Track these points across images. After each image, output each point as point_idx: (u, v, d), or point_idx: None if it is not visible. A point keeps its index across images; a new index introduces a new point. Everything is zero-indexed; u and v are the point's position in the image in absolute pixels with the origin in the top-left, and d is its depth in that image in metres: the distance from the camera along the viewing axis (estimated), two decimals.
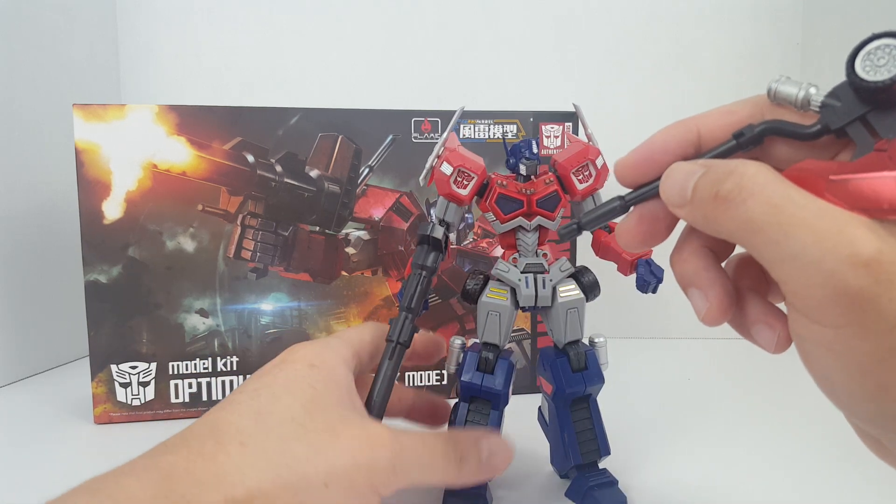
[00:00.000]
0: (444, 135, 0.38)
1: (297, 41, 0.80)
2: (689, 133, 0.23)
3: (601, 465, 0.39)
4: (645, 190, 0.24)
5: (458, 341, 0.39)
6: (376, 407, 0.35)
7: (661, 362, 0.70)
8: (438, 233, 0.37)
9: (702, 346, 0.74)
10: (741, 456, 0.45)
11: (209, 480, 0.26)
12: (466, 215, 0.57)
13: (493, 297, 0.37)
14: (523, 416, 0.40)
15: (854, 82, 0.20)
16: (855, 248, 0.18)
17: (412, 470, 0.30)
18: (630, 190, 0.25)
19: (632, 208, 0.25)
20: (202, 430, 0.28)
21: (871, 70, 0.20)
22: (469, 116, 0.56)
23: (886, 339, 0.18)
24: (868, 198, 0.19)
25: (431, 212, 0.45)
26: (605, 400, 0.40)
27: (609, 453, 0.39)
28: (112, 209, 0.51)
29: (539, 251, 0.38)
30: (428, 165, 0.38)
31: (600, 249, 0.39)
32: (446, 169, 0.37)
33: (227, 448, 0.27)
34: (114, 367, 0.52)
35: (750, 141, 0.22)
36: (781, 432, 0.49)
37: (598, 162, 0.38)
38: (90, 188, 0.51)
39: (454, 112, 0.39)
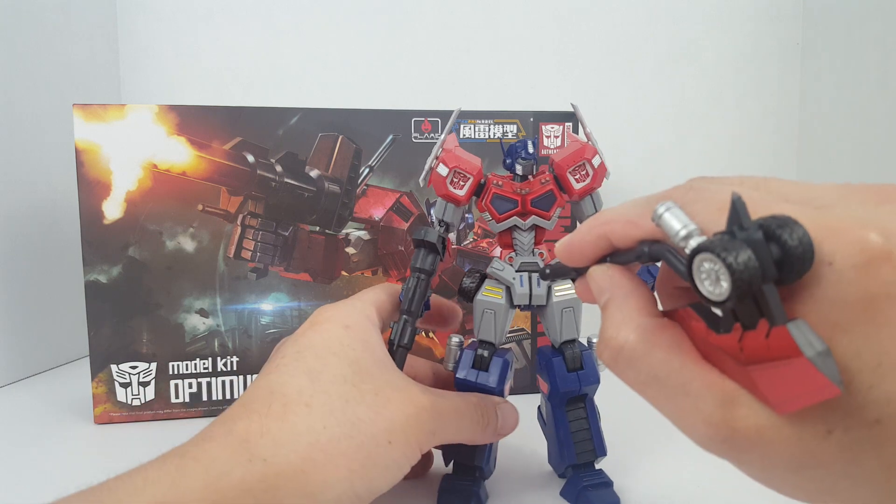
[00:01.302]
0: (443, 136, 0.38)
1: (297, 41, 0.80)
2: (601, 240, 0.24)
3: (597, 466, 0.39)
4: (582, 270, 0.26)
5: (455, 339, 0.40)
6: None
7: None
8: (433, 236, 0.37)
9: None
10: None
11: (285, 440, 0.28)
12: (466, 215, 0.57)
13: (489, 295, 0.38)
14: (522, 415, 0.39)
15: (701, 298, 0.19)
16: (715, 426, 0.19)
17: (447, 432, 0.33)
18: None
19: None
20: (262, 394, 0.30)
21: (711, 283, 0.18)
22: (469, 116, 0.56)
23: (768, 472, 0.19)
24: (745, 381, 0.19)
25: (432, 212, 0.45)
26: (602, 397, 0.40)
27: (605, 454, 0.39)
28: (112, 209, 0.51)
29: (536, 250, 0.38)
30: (427, 166, 0.38)
31: None
32: (442, 170, 0.37)
33: (294, 409, 0.29)
34: (114, 367, 0.52)
35: (647, 259, 0.22)
36: None
37: (595, 161, 0.38)
38: (90, 188, 0.51)
39: (451, 112, 0.40)
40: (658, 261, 0.22)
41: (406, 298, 0.38)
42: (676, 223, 0.20)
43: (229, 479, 0.26)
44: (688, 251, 0.19)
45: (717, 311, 0.19)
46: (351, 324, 0.34)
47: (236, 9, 0.80)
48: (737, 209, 0.18)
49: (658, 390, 0.20)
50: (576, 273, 0.27)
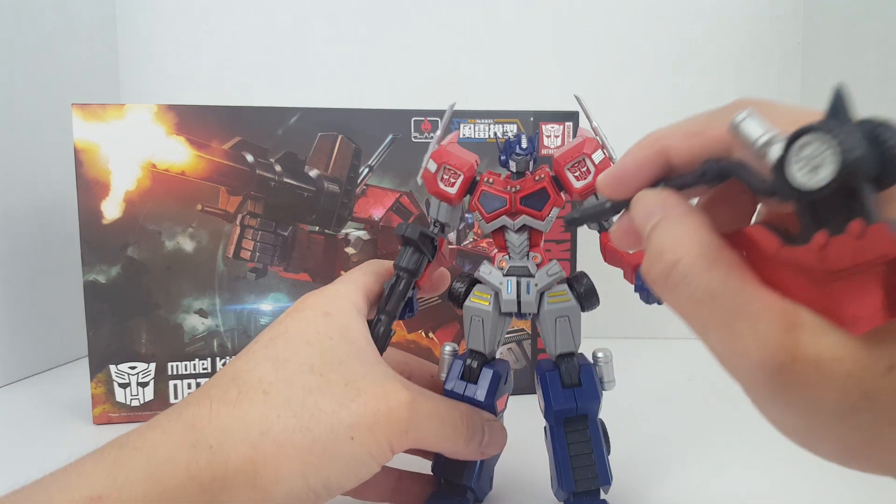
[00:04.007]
0: (438, 132, 0.36)
1: (296, 41, 0.80)
2: (658, 158, 0.22)
3: (603, 496, 0.36)
4: (627, 203, 0.24)
5: (448, 348, 0.37)
6: None
7: (661, 364, 0.70)
8: (413, 233, 0.35)
9: (700, 346, 0.74)
10: (755, 475, 0.43)
11: (234, 427, 0.26)
12: (466, 215, 0.57)
13: (476, 301, 0.35)
14: (524, 423, 0.37)
15: (789, 191, 0.18)
16: (772, 351, 0.18)
17: (424, 435, 0.30)
18: None
19: (623, 210, 0.25)
20: (223, 381, 0.29)
21: (808, 172, 0.17)
22: (469, 116, 0.56)
23: (820, 415, 0.18)
24: (824, 304, 0.17)
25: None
26: (604, 409, 0.37)
27: (609, 483, 0.35)
28: (111, 209, 0.51)
29: (530, 254, 0.35)
30: (423, 165, 0.36)
31: (607, 254, 0.37)
32: (431, 166, 0.35)
33: (250, 396, 0.27)
34: (113, 368, 0.52)
35: (713, 179, 0.21)
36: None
37: (597, 157, 0.34)
38: (89, 188, 0.51)
39: (448, 108, 0.38)
40: (726, 179, 0.20)
41: (384, 297, 0.35)
42: (758, 128, 0.18)
43: (173, 466, 0.25)
44: (769, 159, 0.18)
45: (810, 216, 0.18)
46: (332, 311, 0.32)
47: (236, 8, 0.80)
48: (841, 99, 0.16)
49: (712, 311, 0.19)
50: (613, 210, 0.25)
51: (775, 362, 0.17)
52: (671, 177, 0.22)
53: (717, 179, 0.21)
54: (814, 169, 0.16)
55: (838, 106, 0.17)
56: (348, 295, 0.33)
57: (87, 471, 0.25)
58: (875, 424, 0.17)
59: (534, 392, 0.37)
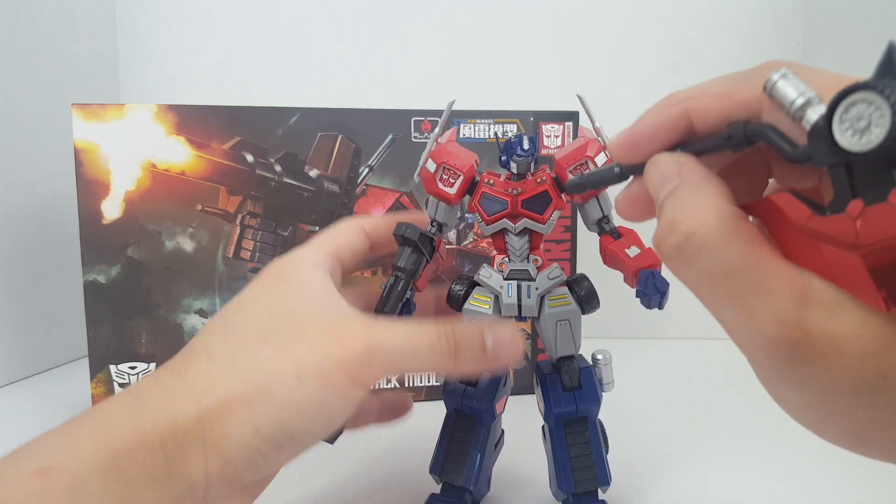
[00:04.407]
0: (437, 130, 0.36)
1: (296, 41, 0.80)
2: (680, 120, 0.21)
3: (601, 496, 0.36)
4: (638, 167, 0.23)
5: None
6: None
7: (661, 364, 0.70)
8: (413, 233, 0.34)
9: (700, 346, 0.74)
10: (754, 476, 0.43)
11: (179, 392, 0.26)
12: (467, 215, 0.57)
13: (476, 304, 0.35)
14: (523, 422, 0.37)
15: (828, 155, 0.17)
16: (788, 326, 0.17)
17: (394, 360, 0.28)
18: None
19: (631, 177, 0.24)
20: (176, 356, 0.28)
21: (854, 133, 0.16)
22: (469, 116, 0.56)
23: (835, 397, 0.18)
24: (846, 276, 0.16)
25: None
26: (603, 409, 0.37)
27: (609, 484, 0.35)
28: (111, 209, 0.51)
29: (530, 256, 0.35)
30: (421, 163, 0.36)
31: (607, 257, 0.36)
32: (430, 166, 0.35)
33: (196, 362, 0.27)
34: (113, 368, 0.52)
35: (739, 143, 0.20)
36: (798, 441, 0.47)
37: (600, 159, 0.34)
38: (89, 188, 0.51)
39: (451, 111, 0.38)
40: (752, 144, 0.19)
41: (381, 298, 0.35)
42: (794, 90, 0.17)
43: (121, 432, 0.24)
44: (807, 121, 0.17)
45: (846, 184, 0.16)
46: (286, 271, 0.30)
47: (236, 8, 0.80)
48: (892, 57, 0.16)
49: (728, 285, 0.18)
50: (621, 176, 0.23)
51: (790, 338, 0.17)
52: (689, 142, 0.21)
53: (742, 144, 0.19)
54: (862, 130, 0.15)
55: (889, 64, 0.16)
56: (308, 255, 0.32)
57: (38, 443, 0.25)
58: (891, 404, 0.17)
59: (533, 392, 0.37)
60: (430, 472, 0.37)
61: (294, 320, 0.28)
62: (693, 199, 0.19)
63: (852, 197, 0.16)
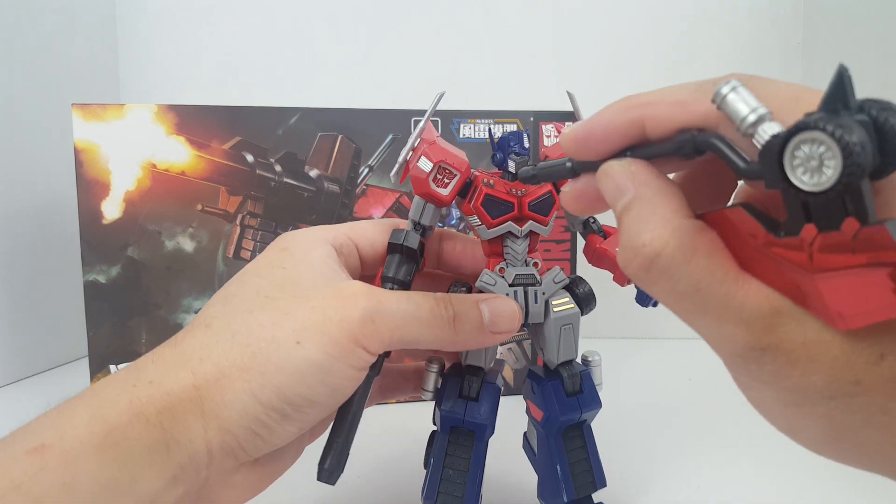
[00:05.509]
0: (422, 124, 0.33)
1: (296, 41, 0.80)
2: (633, 126, 0.20)
3: (596, 499, 0.35)
4: (589, 165, 0.22)
5: (435, 365, 0.34)
6: (334, 457, 0.29)
7: (661, 364, 0.70)
8: (413, 242, 0.31)
9: (700, 346, 0.74)
10: (754, 476, 0.43)
11: (174, 361, 0.26)
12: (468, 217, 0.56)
13: None
14: (520, 421, 0.36)
15: (778, 182, 0.16)
16: (756, 333, 0.18)
17: (396, 324, 0.27)
18: None
19: (581, 175, 0.23)
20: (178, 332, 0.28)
21: (805, 171, 0.15)
22: (469, 116, 0.56)
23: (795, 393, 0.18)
24: (812, 298, 0.16)
25: None
26: (602, 410, 0.35)
27: (605, 485, 0.34)
28: (111, 209, 0.51)
29: (529, 260, 0.33)
30: (401, 160, 0.32)
31: (594, 257, 0.35)
32: (425, 165, 0.31)
33: (193, 332, 0.27)
34: (113, 368, 0.52)
35: (689, 153, 0.19)
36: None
37: None
38: (89, 188, 0.51)
39: (451, 111, 0.36)
40: (703, 153, 0.19)
41: None
42: (744, 106, 0.17)
43: (116, 406, 0.24)
44: (757, 140, 0.16)
45: (799, 207, 0.16)
46: (290, 245, 0.30)
47: (236, 8, 0.80)
48: (843, 83, 0.15)
49: (696, 302, 0.18)
50: (572, 172, 0.23)
51: (762, 343, 0.17)
52: (640, 146, 0.20)
53: (693, 154, 0.19)
54: (814, 169, 0.15)
55: (840, 90, 0.15)
56: (315, 231, 0.31)
57: (33, 424, 0.24)
58: (865, 409, 0.17)
59: (513, 395, 0.36)
60: (424, 501, 0.33)
61: (295, 288, 0.27)
62: (650, 217, 0.19)
63: (804, 221, 0.16)
